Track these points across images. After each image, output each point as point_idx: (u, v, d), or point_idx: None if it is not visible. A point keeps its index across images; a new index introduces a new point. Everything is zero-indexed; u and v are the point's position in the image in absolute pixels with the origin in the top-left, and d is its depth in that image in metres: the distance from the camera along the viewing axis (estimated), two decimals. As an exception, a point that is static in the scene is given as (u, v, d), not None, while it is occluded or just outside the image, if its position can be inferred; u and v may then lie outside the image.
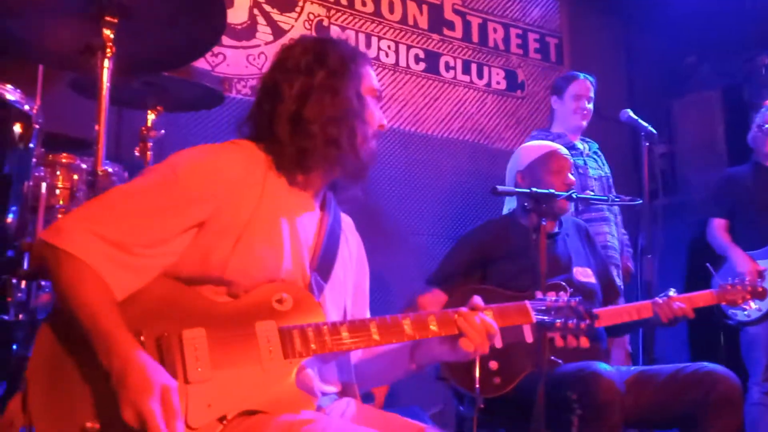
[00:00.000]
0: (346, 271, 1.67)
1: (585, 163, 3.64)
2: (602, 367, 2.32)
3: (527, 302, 1.70)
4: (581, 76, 3.77)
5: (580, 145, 3.72)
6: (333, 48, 1.60)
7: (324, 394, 1.56)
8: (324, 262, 1.57)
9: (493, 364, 2.47)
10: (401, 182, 4.25)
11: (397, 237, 4.15)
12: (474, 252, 2.76)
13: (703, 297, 2.67)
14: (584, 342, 1.75)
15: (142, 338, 1.32)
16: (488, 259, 2.72)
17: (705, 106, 4.92)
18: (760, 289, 2.69)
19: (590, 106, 3.73)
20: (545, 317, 1.71)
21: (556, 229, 2.78)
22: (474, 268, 2.74)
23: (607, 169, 3.77)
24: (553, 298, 1.74)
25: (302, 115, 1.52)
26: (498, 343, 2.48)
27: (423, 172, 4.33)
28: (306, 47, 1.60)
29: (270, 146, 1.55)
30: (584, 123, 3.72)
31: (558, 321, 1.71)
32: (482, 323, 1.53)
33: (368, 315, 1.73)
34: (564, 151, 2.80)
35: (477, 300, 1.59)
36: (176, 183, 1.43)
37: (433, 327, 1.53)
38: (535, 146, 2.85)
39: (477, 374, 2.41)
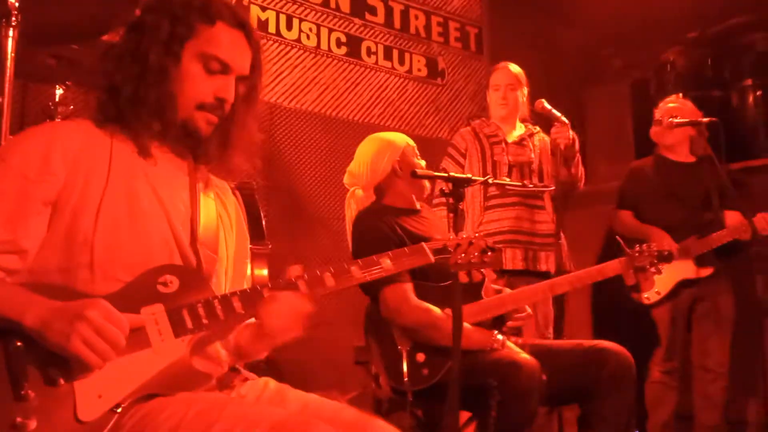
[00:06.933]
0: (227, 236, 1.64)
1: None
2: (522, 355, 2.39)
3: (423, 243, 1.68)
4: (501, 65, 3.73)
5: (515, 134, 3.64)
6: (161, 6, 1.52)
7: (233, 369, 1.54)
8: (208, 232, 1.54)
9: (420, 356, 2.50)
10: (322, 166, 4.23)
11: (318, 221, 4.14)
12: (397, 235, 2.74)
13: (612, 266, 2.73)
14: (490, 274, 1.77)
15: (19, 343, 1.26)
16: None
17: (615, 99, 5.11)
18: (666, 252, 2.74)
19: (513, 94, 3.65)
20: (444, 255, 1.68)
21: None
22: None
23: (533, 155, 3.65)
24: (451, 237, 1.73)
25: (114, 78, 1.48)
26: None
27: (344, 157, 4.32)
28: (147, 6, 1.54)
29: (113, 116, 1.49)
30: (504, 112, 3.66)
31: (459, 256, 1.69)
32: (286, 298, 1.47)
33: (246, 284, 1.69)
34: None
35: (292, 271, 1.52)
36: (8, 169, 1.38)
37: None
38: (396, 138, 2.87)
39: (405, 369, 2.44)
